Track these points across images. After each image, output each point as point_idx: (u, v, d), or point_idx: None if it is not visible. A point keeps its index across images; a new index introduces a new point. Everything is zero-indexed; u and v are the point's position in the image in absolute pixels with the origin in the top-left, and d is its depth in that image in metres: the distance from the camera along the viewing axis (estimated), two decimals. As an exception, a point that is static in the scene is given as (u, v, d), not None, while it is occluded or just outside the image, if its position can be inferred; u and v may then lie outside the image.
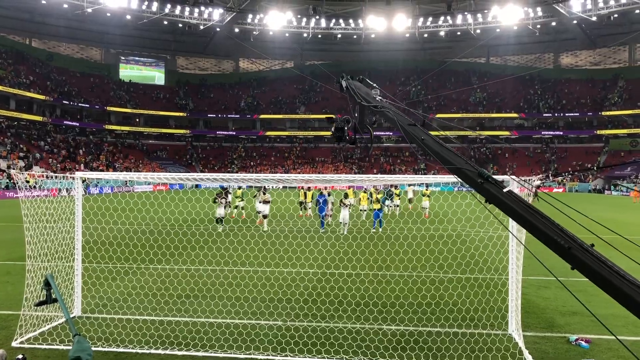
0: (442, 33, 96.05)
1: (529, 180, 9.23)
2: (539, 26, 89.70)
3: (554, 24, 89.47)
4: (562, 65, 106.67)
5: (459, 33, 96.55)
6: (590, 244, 2.97)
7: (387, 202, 30.66)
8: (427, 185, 30.43)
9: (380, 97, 4.71)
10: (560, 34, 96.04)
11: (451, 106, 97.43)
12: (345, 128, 5.11)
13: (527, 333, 8.86)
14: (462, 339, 8.61)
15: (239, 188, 29.85)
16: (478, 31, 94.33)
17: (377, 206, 24.23)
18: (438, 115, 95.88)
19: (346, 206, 22.92)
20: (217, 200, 23.95)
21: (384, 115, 4.38)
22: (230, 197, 27.77)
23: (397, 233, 18.53)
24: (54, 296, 8.01)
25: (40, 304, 8.27)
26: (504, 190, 3.34)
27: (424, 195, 31.05)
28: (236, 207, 29.61)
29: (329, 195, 25.83)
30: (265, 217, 24.40)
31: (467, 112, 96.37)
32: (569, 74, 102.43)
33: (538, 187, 32.99)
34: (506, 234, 9.13)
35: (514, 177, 9.14)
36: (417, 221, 24.09)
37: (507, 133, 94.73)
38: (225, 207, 25.27)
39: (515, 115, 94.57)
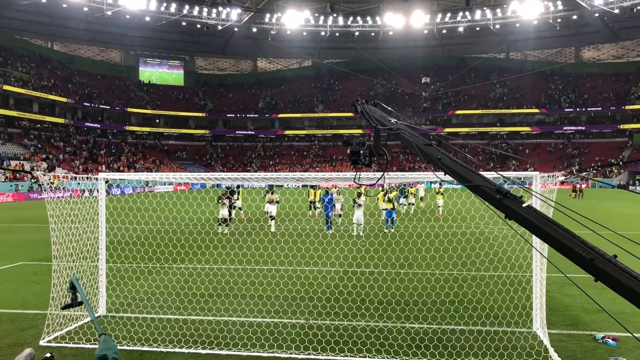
0: (460, 29, 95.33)
1: (553, 176, 9.10)
2: (559, 20, 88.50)
3: (575, 17, 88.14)
4: (584, 59, 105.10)
5: (478, 28, 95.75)
6: (613, 254, 2.94)
7: (402, 201, 30.43)
8: (441, 183, 30.15)
9: (395, 120, 4.74)
10: (582, 28, 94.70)
11: (471, 102, 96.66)
12: (361, 152, 5.13)
13: (552, 331, 8.74)
14: (487, 337, 8.54)
15: (238, 187, 28.93)
16: (497, 26, 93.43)
17: (389, 205, 23.47)
18: (458, 112, 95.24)
19: (360, 206, 22.11)
20: (220, 201, 23.46)
21: (400, 137, 4.40)
22: (235, 197, 27.14)
23: (413, 231, 18.43)
24: (79, 299, 8.14)
25: (66, 307, 8.38)
26: (524, 205, 3.32)
27: (437, 193, 30.54)
28: (239, 208, 28.77)
29: (338, 194, 25.12)
30: (272, 218, 23.65)
31: (487, 108, 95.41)
32: (591, 68, 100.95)
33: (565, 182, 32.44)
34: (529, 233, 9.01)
35: (537, 172, 9.06)
36: (430, 219, 23.87)
37: (528, 129, 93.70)
38: (231, 208, 24.99)
39: (536, 110, 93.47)
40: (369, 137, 5.21)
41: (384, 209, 26.19)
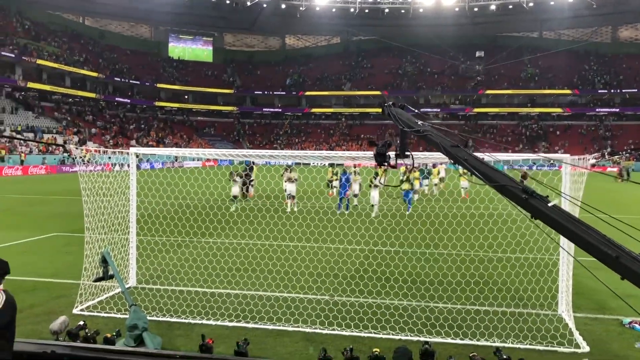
0: (492, 7, 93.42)
1: (584, 158, 8.97)
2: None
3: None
4: (621, 38, 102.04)
5: (510, 6, 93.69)
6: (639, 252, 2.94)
7: (425, 181, 30.04)
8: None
9: (422, 122, 4.79)
10: (620, 6, 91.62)
11: (502, 82, 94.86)
12: (388, 154, 5.19)
13: (578, 314, 8.70)
14: (511, 318, 8.54)
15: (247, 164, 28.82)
16: (531, 4, 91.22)
17: (407, 186, 22.91)
18: (488, 91, 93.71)
19: (376, 186, 21.46)
20: (231, 178, 23.33)
21: (427, 139, 4.46)
22: (253, 175, 26.96)
23: (440, 211, 18.36)
24: (110, 272, 8.39)
25: (98, 279, 8.66)
26: (549, 204, 3.35)
27: (461, 175, 29.78)
28: (254, 185, 28.32)
29: (356, 173, 24.16)
30: (290, 197, 22.87)
31: (518, 88, 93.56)
32: (628, 48, 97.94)
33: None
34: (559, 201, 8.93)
35: (567, 155, 8.93)
36: (457, 200, 23.52)
37: (559, 110, 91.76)
38: (250, 185, 24.87)
39: (568, 91, 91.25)
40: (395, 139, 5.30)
41: (402, 190, 25.42)
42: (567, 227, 3.20)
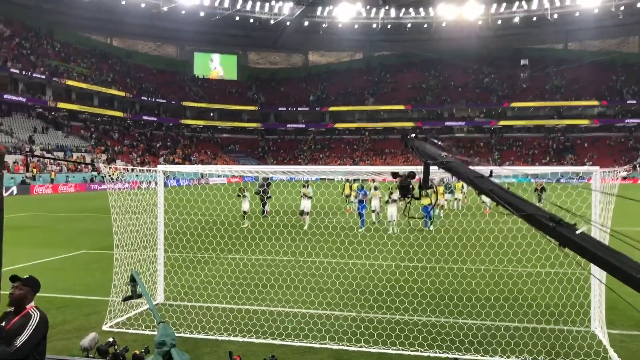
0: (516, 19, 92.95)
1: (615, 171, 8.80)
2: (622, 8, 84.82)
3: (639, 4, 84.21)
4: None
5: (534, 19, 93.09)
6: None
7: (447, 196, 29.63)
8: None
9: (445, 154, 4.84)
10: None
11: (527, 95, 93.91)
12: (411, 187, 5.23)
13: (612, 331, 8.48)
14: (542, 335, 8.38)
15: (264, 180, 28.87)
16: (555, 16, 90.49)
17: (426, 201, 22.25)
18: (513, 104, 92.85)
19: (393, 201, 20.87)
20: (241, 195, 23.09)
21: (451, 170, 4.49)
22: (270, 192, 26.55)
23: (467, 226, 18.15)
24: (139, 291, 8.48)
25: (126, 298, 8.73)
26: (577, 232, 3.32)
27: None
28: (271, 200, 27.81)
29: (375, 189, 23.40)
30: (302, 214, 22.45)
31: (543, 100, 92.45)
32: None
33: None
34: (589, 227, 8.77)
35: (595, 167, 8.78)
36: (476, 215, 23.04)
37: (586, 122, 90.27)
38: (267, 200, 24.80)
39: (595, 102, 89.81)
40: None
41: (421, 204, 24.96)
42: (597, 255, 3.16)
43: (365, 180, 25.24)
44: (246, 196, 23.24)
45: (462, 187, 29.99)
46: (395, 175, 5.44)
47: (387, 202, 21.52)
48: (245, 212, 23.02)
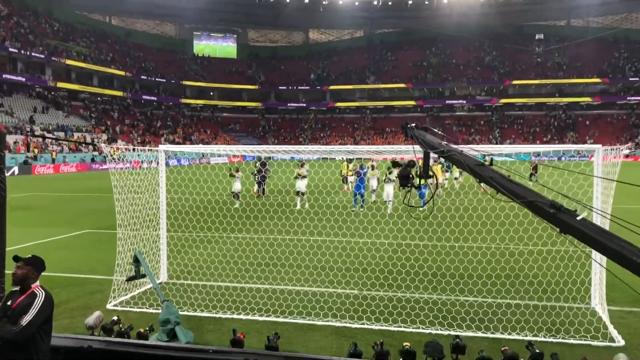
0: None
1: (617, 149, 8.78)
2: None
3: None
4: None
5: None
6: None
7: (446, 174, 29.49)
8: (484, 157, 28.76)
9: (445, 142, 4.85)
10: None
11: (528, 72, 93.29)
12: (411, 176, 5.22)
13: (612, 308, 8.54)
14: (543, 312, 8.44)
15: (258, 160, 27.84)
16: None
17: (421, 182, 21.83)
18: (514, 82, 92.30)
19: (391, 181, 20.55)
20: (234, 175, 22.69)
21: (451, 159, 4.50)
22: (269, 170, 25.99)
23: (469, 205, 18.17)
24: (142, 271, 8.54)
25: (130, 279, 8.84)
26: (578, 218, 3.34)
27: None
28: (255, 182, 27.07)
29: (373, 168, 23.05)
30: (298, 194, 22.03)
31: (545, 77, 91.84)
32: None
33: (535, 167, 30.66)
34: (590, 205, 8.78)
35: (599, 145, 8.76)
36: (477, 193, 22.75)
37: (588, 99, 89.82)
38: (263, 180, 24.37)
39: (598, 80, 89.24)
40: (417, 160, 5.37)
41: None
42: (597, 240, 3.20)
43: (367, 159, 25.07)
44: (237, 177, 22.79)
45: (444, 165, 29.46)
46: (395, 164, 5.50)
47: (385, 181, 21.27)
48: (237, 193, 22.61)
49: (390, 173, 20.93)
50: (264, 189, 25.74)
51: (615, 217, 4.10)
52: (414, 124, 5.50)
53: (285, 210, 18.70)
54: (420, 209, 20.16)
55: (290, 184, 25.40)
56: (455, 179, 30.29)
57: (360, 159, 26.23)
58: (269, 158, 25.73)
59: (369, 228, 14.35)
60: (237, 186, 22.82)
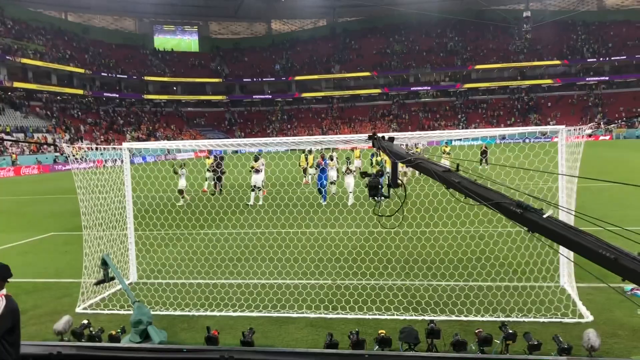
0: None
1: (579, 129, 8.94)
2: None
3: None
4: (607, 6, 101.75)
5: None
6: (638, 252, 2.99)
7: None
8: (447, 142, 28.93)
9: (412, 152, 5.03)
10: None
11: (490, 56, 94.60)
12: (380, 186, 5.26)
13: (580, 285, 8.72)
14: (514, 292, 8.57)
15: (210, 156, 26.59)
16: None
17: (376, 169, 20.64)
18: (477, 67, 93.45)
19: (351, 172, 20.23)
20: (177, 172, 21.61)
21: (419, 167, 4.59)
22: (223, 165, 25.06)
23: (427, 191, 18.36)
24: (111, 274, 8.37)
25: (99, 282, 8.65)
26: (544, 216, 3.44)
27: (444, 153, 28.10)
28: (206, 179, 25.75)
29: (331, 159, 21.75)
30: (253, 189, 20.88)
31: (507, 61, 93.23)
32: (615, 16, 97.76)
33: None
34: (556, 186, 8.94)
35: (562, 126, 8.90)
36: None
37: (549, 81, 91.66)
38: (218, 177, 23.35)
39: (557, 62, 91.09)
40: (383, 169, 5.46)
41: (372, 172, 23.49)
42: (564, 236, 3.31)
43: (327, 150, 24.53)
44: (182, 174, 21.71)
45: (421, 151, 29.11)
46: (364, 174, 5.50)
47: (345, 172, 20.74)
48: (181, 191, 21.55)
49: (350, 164, 20.63)
50: (221, 187, 24.39)
51: (579, 213, 4.23)
52: (381, 135, 5.62)
53: (256, 205, 18.56)
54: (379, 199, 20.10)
55: (244, 178, 24.82)
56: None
57: (321, 150, 25.87)
58: (226, 153, 24.81)
59: (340, 218, 14.36)
60: (181, 183, 21.70)
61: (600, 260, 3.02)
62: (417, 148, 28.33)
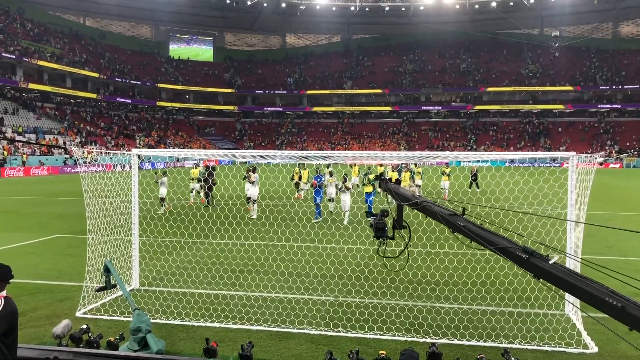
0: (493, 4, 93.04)
1: (591, 156, 8.87)
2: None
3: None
4: (622, 34, 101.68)
5: (511, 3, 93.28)
6: None
7: (419, 182, 28.61)
8: (447, 163, 28.61)
9: (418, 194, 4.99)
10: (621, 2, 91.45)
11: (503, 79, 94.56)
12: (386, 228, 5.24)
13: (585, 314, 8.58)
14: (518, 319, 8.46)
15: (196, 167, 25.85)
16: (532, 1, 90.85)
17: (368, 189, 20.74)
18: (489, 89, 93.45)
19: (347, 189, 19.34)
20: (158, 181, 21.18)
21: (425, 210, 4.54)
22: (214, 176, 23.59)
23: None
24: (113, 282, 8.34)
25: (100, 289, 8.62)
26: (551, 262, 3.38)
27: (443, 174, 27.44)
28: (192, 190, 24.53)
29: (331, 175, 21.13)
30: (249, 201, 20.56)
31: (519, 85, 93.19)
32: (629, 44, 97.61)
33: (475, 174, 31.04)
34: (566, 212, 8.85)
35: (573, 153, 8.83)
36: (437, 200, 22.01)
37: (561, 107, 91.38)
38: (206, 188, 22.53)
39: (570, 88, 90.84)
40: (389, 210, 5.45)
41: (365, 192, 22.18)
42: (571, 283, 3.24)
43: (324, 166, 23.58)
44: (164, 182, 21.21)
45: (421, 172, 28.26)
46: (370, 214, 5.46)
47: (340, 189, 19.79)
48: (162, 199, 20.96)
49: (345, 182, 19.52)
50: (211, 198, 23.45)
51: (585, 260, 4.18)
52: (388, 177, 5.64)
53: (261, 216, 18.51)
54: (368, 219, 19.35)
55: (234, 189, 24.26)
56: (418, 185, 27.89)
57: (317, 165, 25.09)
58: (210, 166, 24.01)
59: (345, 235, 14.29)
60: (162, 191, 21.19)
61: (607, 308, 2.96)
62: (417, 168, 27.86)
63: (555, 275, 3.24)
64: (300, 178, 26.54)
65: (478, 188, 29.93)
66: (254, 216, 19.75)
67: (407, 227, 5.27)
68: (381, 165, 28.31)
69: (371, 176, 20.67)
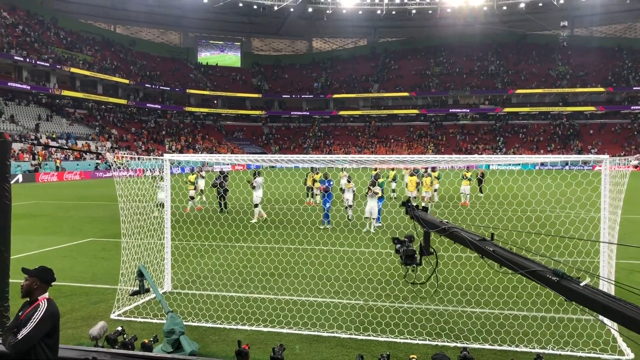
0: (522, 5, 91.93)
1: (625, 159, 8.72)
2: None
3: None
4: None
5: (540, 4, 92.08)
6: None
7: (436, 186, 27.61)
8: (468, 167, 28.04)
9: (446, 221, 4.97)
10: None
11: (532, 81, 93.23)
12: (416, 255, 5.24)
13: (621, 321, 8.44)
14: (551, 324, 8.35)
15: (192, 172, 24.94)
16: (561, 1, 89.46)
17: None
18: (518, 91, 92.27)
19: (375, 194, 17.92)
20: (158, 185, 21.74)
21: (453, 236, 4.54)
22: (227, 181, 23.19)
23: (473, 215, 18.08)
24: (146, 286, 8.51)
25: (134, 293, 8.80)
26: (582, 284, 3.35)
27: (464, 178, 26.23)
28: (190, 198, 23.05)
29: (349, 181, 20.58)
30: (253, 206, 20.29)
31: (549, 86, 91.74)
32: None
33: (482, 175, 30.35)
34: (598, 217, 8.72)
35: (606, 156, 8.70)
36: (457, 205, 21.66)
37: (592, 108, 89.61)
38: (225, 192, 22.14)
39: (601, 89, 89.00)
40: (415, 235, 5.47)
41: (413, 197, 21.36)
42: (604, 305, 3.21)
43: (336, 169, 23.02)
44: (160, 186, 21.64)
45: (438, 176, 27.17)
46: (395, 240, 5.46)
47: (366, 194, 18.40)
48: (162, 204, 21.18)
49: (373, 186, 18.11)
50: (225, 204, 22.83)
51: (619, 283, 4.12)
52: (415, 204, 5.66)
53: (282, 220, 18.59)
54: (376, 224, 18.53)
55: (248, 191, 23.34)
56: (435, 190, 26.87)
57: (316, 169, 24.58)
58: (224, 172, 23.69)
59: (374, 238, 14.28)
60: (160, 196, 21.51)
61: None
62: (434, 172, 26.97)
63: (588, 297, 3.22)
64: (313, 182, 25.68)
65: (481, 193, 28.97)
66: (253, 221, 19.46)
67: (434, 252, 5.27)
68: (393, 170, 27.77)
69: (380, 180, 19.71)
